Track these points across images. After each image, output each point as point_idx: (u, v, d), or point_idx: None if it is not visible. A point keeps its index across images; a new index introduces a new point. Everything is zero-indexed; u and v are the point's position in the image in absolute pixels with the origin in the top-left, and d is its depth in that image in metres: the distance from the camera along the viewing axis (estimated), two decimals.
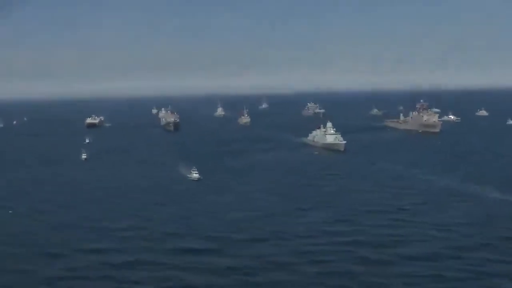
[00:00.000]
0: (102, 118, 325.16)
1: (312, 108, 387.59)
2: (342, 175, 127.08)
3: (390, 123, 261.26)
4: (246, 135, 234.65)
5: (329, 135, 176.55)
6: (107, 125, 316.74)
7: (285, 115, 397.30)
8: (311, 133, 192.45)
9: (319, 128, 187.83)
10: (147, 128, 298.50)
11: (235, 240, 74.23)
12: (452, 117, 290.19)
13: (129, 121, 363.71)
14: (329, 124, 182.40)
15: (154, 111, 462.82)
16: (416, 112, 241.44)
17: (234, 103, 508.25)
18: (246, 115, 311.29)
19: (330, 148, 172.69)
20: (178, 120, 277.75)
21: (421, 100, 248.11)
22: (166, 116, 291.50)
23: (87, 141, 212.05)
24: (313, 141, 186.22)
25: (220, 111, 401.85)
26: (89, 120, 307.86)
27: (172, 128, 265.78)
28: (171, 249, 70.39)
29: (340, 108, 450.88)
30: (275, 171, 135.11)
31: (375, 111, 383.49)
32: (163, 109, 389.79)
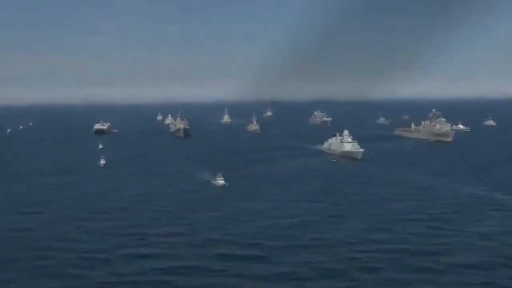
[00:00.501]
0: (109, 124, 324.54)
1: (319, 117, 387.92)
2: (366, 183, 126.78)
3: (402, 132, 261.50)
4: (258, 143, 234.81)
5: (347, 143, 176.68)
6: (115, 131, 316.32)
7: (292, 123, 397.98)
8: (326, 141, 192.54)
9: (335, 136, 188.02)
10: (155, 134, 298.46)
11: (278, 247, 73.83)
12: (462, 127, 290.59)
13: (136, 127, 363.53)
14: (345, 132, 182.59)
15: (159, 117, 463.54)
16: (428, 121, 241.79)
17: (238, 111, 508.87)
18: (255, 122, 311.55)
19: (347, 156, 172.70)
20: (188, 127, 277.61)
21: (433, 109, 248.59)
22: (176, 123, 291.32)
23: (100, 147, 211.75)
24: (330, 149, 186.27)
25: (226, 118, 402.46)
26: (97, 126, 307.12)
27: (182, 134, 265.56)
28: (216, 255, 69.98)
29: (345, 116, 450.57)
30: (298, 178, 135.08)
31: (381, 119, 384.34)
32: (169, 115, 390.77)
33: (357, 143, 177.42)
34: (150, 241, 76.35)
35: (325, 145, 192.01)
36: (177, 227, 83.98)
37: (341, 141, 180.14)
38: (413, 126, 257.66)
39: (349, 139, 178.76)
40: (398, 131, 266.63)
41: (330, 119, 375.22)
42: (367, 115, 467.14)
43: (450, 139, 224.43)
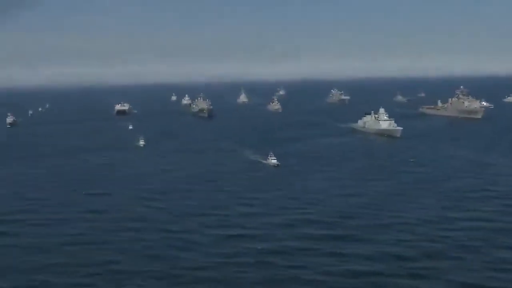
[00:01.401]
0: (129, 105, 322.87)
1: (336, 95, 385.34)
2: (415, 161, 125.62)
3: (427, 110, 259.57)
4: (285, 121, 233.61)
5: (383, 121, 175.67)
6: (135, 112, 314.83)
7: (309, 101, 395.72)
8: (360, 119, 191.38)
9: (369, 114, 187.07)
10: (176, 114, 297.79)
11: (362, 225, 73.23)
12: (485, 103, 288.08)
13: (153, 108, 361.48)
14: (381, 110, 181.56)
15: (174, 98, 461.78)
16: (456, 98, 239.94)
17: (250, 90, 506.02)
18: (276, 101, 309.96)
19: (384, 134, 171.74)
20: (211, 107, 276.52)
21: (461, 86, 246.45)
22: (198, 103, 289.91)
23: (130, 127, 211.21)
24: (364, 127, 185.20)
25: (243, 98, 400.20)
26: (118, 107, 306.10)
27: (206, 114, 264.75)
28: (305, 234, 69.39)
29: (361, 95, 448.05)
30: (344, 156, 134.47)
31: (399, 97, 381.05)
32: (186, 96, 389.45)
33: (393, 120, 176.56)
34: (234, 222, 75.78)
35: (359, 123, 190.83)
36: (253, 208, 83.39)
37: (377, 119, 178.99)
38: (439, 103, 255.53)
39: (386, 117, 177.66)
40: (423, 109, 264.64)
41: (348, 97, 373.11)
42: (384, 93, 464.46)
43: (479, 116, 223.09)
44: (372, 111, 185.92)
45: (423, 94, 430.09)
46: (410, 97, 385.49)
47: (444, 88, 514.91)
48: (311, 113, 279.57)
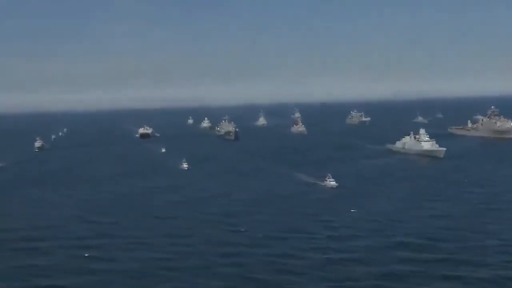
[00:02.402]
0: (152, 128, 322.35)
1: (356, 117, 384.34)
2: (472, 182, 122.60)
3: (456, 130, 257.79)
4: (315, 143, 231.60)
5: (425, 142, 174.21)
6: (157, 135, 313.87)
7: (328, 123, 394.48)
8: (399, 140, 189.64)
9: (408, 135, 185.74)
10: (199, 137, 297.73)
11: (463, 248, 70.58)
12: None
13: (173, 131, 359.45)
14: (422, 131, 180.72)
15: (190, 121, 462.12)
16: (488, 119, 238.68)
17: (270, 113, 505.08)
18: (301, 123, 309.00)
19: (426, 155, 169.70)
20: (237, 129, 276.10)
21: (492, 107, 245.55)
22: (223, 126, 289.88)
23: (163, 150, 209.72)
24: (404, 148, 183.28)
25: (262, 120, 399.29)
26: (142, 131, 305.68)
27: (233, 137, 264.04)
28: (420, 258, 66.33)
29: (377, 116, 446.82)
30: (396, 177, 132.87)
31: (420, 118, 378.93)
32: (205, 118, 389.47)
33: (435, 141, 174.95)
34: (327, 245, 73.00)
35: (397, 144, 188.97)
36: (338, 230, 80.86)
37: (417, 140, 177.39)
38: (469, 123, 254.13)
39: (427, 138, 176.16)
40: (452, 129, 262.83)
41: (368, 119, 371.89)
42: (401, 114, 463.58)
43: None
44: (411, 132, 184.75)
45: (440, 115, 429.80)
46: (429, 118, 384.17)
47: (457, 108, 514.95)
48: (337, 135, 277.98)
